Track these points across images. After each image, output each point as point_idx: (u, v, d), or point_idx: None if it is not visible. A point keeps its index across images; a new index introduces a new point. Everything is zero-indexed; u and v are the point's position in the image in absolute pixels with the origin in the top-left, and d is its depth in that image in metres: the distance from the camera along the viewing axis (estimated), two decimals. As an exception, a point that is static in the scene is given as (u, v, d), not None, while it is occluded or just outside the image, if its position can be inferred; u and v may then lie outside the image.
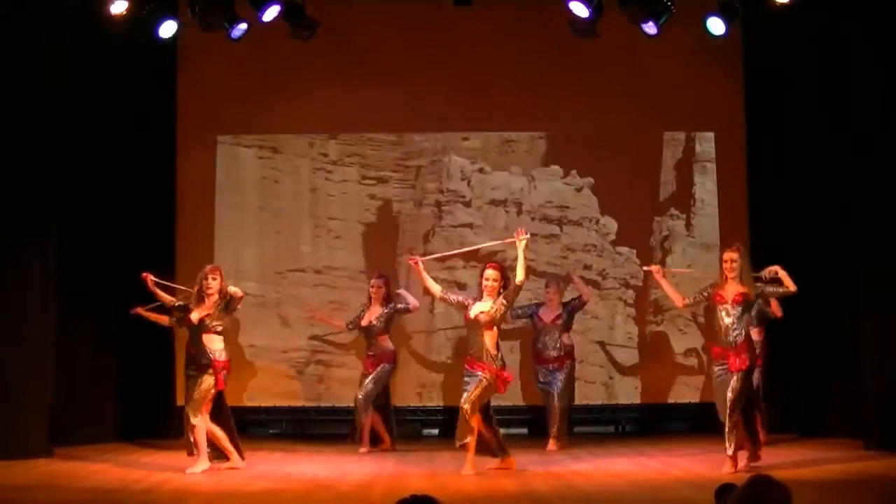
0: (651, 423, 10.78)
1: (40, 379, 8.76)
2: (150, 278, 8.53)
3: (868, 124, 8.82)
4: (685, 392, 10.63)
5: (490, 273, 7.86)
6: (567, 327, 9.60)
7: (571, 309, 9.64)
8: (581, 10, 9.20)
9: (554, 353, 9.50)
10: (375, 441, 9.39)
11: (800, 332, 9.67)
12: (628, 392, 10.74)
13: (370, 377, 9.27)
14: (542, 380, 9.56)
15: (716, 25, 9.47)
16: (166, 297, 8.59)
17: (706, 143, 10.94)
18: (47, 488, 7.13)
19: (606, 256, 10.77)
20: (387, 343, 9.42)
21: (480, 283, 7.91)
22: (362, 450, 9.20)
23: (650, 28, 9.29)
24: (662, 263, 10.58)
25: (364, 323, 9.44)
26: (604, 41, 9.96)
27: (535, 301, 9.85)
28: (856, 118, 8.99)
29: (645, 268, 8.83)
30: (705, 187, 10.88)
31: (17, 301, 8.70)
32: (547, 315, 9.57)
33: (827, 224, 9.52)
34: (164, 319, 9.16)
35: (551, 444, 9.32)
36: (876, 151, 8.75)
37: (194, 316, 8.05)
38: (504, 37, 10.71)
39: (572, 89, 10.75)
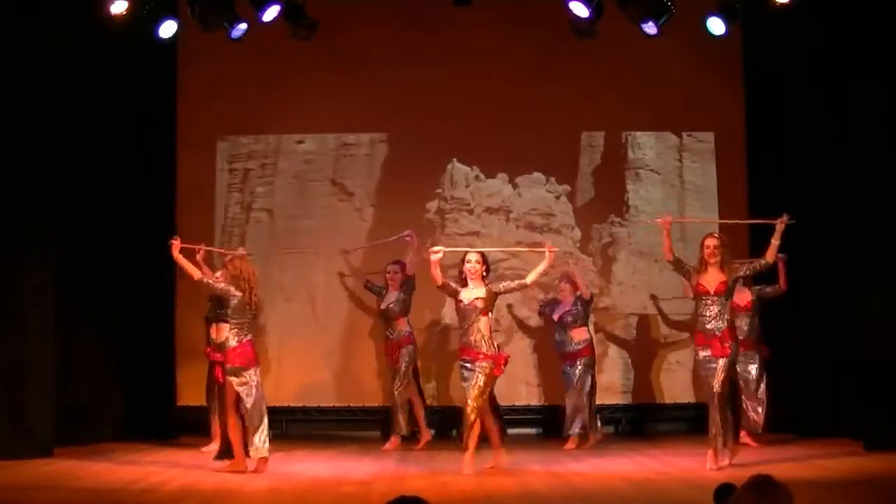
0: (650, 423, 10.77)
1: (40, 379, 8.75)
2: (177, 245, 7.97)
3: (869, 124, 8.81)
4: (685, 392, 10.62)
5: (473, 257, 7.87)
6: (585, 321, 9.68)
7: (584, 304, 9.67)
8: (581, 10, 9.21)
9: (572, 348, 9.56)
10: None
11: (800, 332, 9.68)
12: (626, 393, 10.73)
13: (401, 371, 9.43)
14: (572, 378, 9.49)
15: (716, 25, 9.49)
16: (193, 270, 8.03)
17: (639, 150, 10.91)
18: (47, 488, 7.12)
19: (580, 264, 10.69)
20: (405, 326, 9.59)
21: (462, 270, 7.87)
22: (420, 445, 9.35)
23: (650, 28, 9.30)
24: (607, 270, 10.66)
25: (382, 306, 9.60)
26: (604, 41, 9.97)
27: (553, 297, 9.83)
28: (856, 118, 8.98)
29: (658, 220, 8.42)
30: (638, 194, 10.86)
31: (17, 301, 8.70)
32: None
33: (828, 224, 9.50)
34: (194, 272, 8.15)
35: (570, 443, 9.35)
36: (877, 151, 8.74)
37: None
38: (504, 37, 10.71)
39: (572, 90, 10.75)
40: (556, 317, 9.60)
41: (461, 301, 7.83)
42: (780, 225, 7.96)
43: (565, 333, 9.53)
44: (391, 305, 9.56)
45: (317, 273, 10.70)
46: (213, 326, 8.81)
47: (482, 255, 8.00)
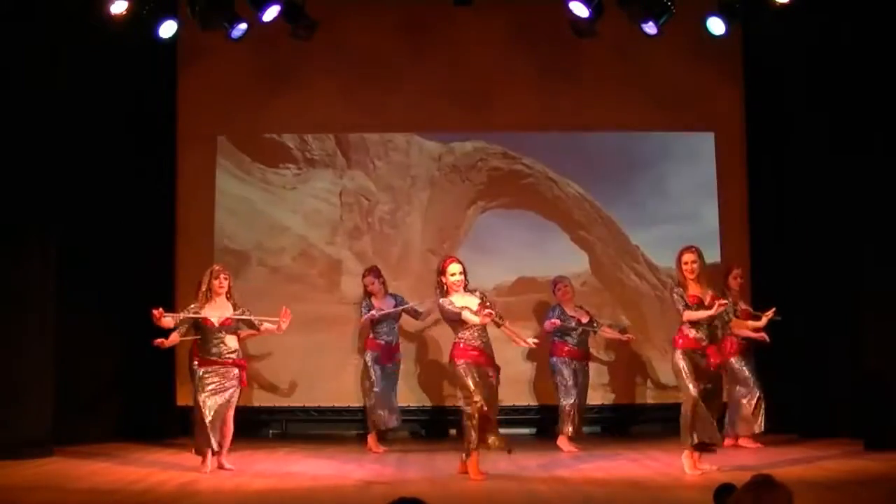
0: (650, 422, 10.74)
1: (40, 379, 8.74)
2: (163, 316, 7.80)
3: (868, 124, 8.81)
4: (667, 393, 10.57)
5: (458, 267, 7.58)
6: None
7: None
8: (581, 10, 9.21)
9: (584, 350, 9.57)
10: None
11: (800, 332, 9.67)
12: (627, 393, 10.72)
13: (390, 370, 9.42)
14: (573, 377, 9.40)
15: (716, 25, 9.49)
16: (169, 324, 7.98)
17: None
18: (47, 488, 7.12)
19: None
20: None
21: (444, 281, 7.55)
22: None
23: (650, 28, 9.30)
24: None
25: (387, 310, 9.44)
26: (604, 41, 9.97)
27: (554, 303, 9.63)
28: (855, 118, 8.98)
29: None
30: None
31: (17, 301, 8.69)
32: (578, 313, 9.54)
33: (827, 224, 9.52)
34: (175, 339, 8.37)
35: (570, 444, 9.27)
36: (876, 150, 8.74)
37: (214, 319, 7.86)
38: (504, 37, 10.72)
39: (572, 89, 10.74)
40: (585, 319, 9.49)
41: (477, 318, 7.51)
42: (764, 318, 8.11)
43: (586, 333, 9.51)
44: (405, 307, 9.51)
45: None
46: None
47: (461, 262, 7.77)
